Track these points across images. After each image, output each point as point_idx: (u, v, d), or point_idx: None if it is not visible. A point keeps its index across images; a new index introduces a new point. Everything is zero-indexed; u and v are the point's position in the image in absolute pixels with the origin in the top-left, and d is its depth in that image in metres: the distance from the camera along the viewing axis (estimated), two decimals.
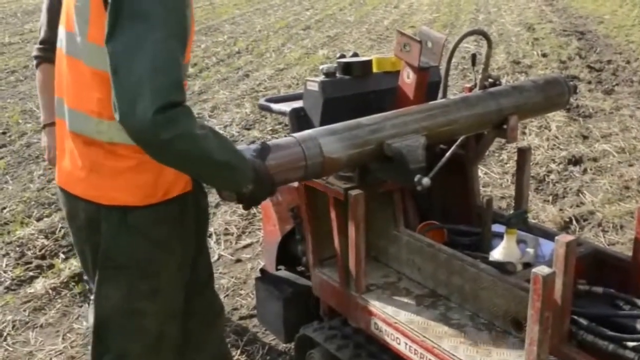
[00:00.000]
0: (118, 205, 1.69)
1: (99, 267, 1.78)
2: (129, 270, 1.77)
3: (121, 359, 1.85)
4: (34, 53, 2.74)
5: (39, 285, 3.51)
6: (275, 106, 2.47)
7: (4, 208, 4.58)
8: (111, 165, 1.66)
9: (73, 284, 3.51)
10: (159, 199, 1.72)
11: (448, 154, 2.09)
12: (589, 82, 7.42)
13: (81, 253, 1.85)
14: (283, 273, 2.59)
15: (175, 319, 1.93)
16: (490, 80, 2.18)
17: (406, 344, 1.83)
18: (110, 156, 1.65)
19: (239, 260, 3.80)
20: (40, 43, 2.71)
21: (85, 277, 3.31)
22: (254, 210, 4.41)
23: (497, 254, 1.97)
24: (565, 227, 4.00)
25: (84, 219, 1.76)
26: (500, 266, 1.86)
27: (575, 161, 5.08)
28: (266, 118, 6.43)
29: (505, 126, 2.07)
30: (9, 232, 4.17)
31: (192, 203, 1.84)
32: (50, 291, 3.45)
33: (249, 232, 4.18)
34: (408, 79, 2.17)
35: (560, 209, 4.25)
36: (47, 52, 2.67)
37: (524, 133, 5.74)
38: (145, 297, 1.80)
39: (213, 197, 4.61)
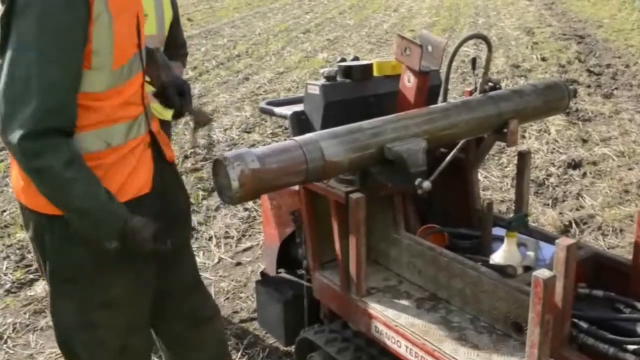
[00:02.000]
0: (59, 215, 1.62)
1: (49, 281, 1.75)
2: (78, 284, 1.72)
3: None
4: None
5: (39, 288, 3.51)
6: (276, 109, 2.48)
7: (4, 211, 4.58)
8: None
9: None
10: None
11: (448, 157, 2.09)
12: (589, 86, 7.43)
13: (38, 265, 1.83)
14: (283, 276, 2.60)
15: (139, 331, 1.87)
16: (490, 84, 2.18)
17: (407, 347, 1.83)
18: None
19: (239, 264, 3.80)
20: None
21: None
22: (254, 213, 4.41)
23: (497, 257, 1.97)
24: (565, 230, 4.01)
25: (32, 230, 1.72)
26: (500, 269, 1.86)
27: (575, 165, 5.09)
28: (266, 121, 6.43)
29: (505, 130, 2.07)
30: (9, 235, 4.17)
31: (151, 205, 1.77)
32: None
33: (249, 235, 4.18)
34: (409, 83, 2.18)
35: (560, 213, 4.26)
36: None
37: (523, 137, 5.75)
38: (99, 309, 1.75)
39: (213, 199, 4.63)
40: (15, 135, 1.44)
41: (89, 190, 1.55)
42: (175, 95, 1.98)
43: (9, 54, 1.47)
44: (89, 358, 1.82)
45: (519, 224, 2.06)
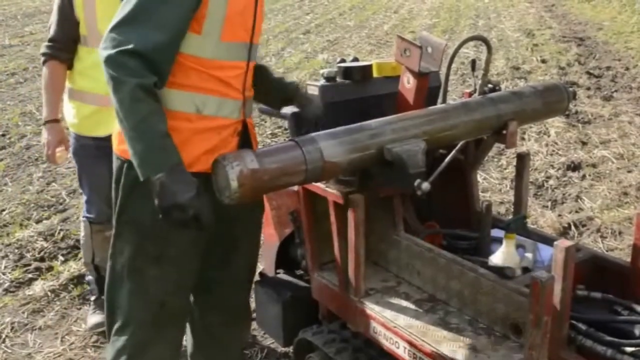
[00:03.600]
0: None
1: (115, 220, 1.88)
2: (138, 227, 1.84)
3: (125, 327, 1.91)
4: (42, 50, 2.77)
5: (38, 287, 3.51)
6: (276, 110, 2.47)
7: (3, 210, 4.58)
8: None
9: (72, 286, 3.51)
10: None
11: (448, 158, 2.10)
12: (588, 89, 7.44)
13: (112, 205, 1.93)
14: (282, 277, 2.60)
15: (180, 292, 1.96)
16: (490, 85, 2.19)
17: (405, 348, 1.83)
18: None
19: None
20: (49, 41, 2.75)
21: (85, 279, 3.32)
22: None
23: (496, 258, 1.97)
24: (564, 232, 4.01)
25: (114, 172, 1.88)
26: (499, 271, 1.86)
27: (574, 167, 5.09)
28: (266, 122, 6.43)
29: (504, 132, 2.08)
30: (8, 234, 4.17)
31: None
32: (49, 293, 3.45)
33: None
34: (408, 84, 2.18)
35: (559, 215, 4.26)
36: (56, 50, 2.74)
37: (523, 139, 5.75)
38: (150, 258, 1.86)
39: None
40: (119, 48, 1.63)
41: (151, 115, 1.65)
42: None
43: None
44: (129, 307, 1.90)
45: (518, 225, 2.06)
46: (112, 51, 1.63)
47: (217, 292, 2.11)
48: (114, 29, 1.67)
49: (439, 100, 2.24)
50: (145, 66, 1.64)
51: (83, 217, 3.05)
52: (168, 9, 1.67)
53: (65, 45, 2.73)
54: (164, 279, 1.89)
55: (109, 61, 1.64)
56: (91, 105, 2.76)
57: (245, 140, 1.95)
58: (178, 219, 1.64)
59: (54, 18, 2.74)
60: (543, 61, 8.93)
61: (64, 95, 2.87)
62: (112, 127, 1.91)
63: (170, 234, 1.81)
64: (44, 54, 2.76)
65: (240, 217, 2.01)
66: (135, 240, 1.86)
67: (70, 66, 2.79)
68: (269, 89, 2.14)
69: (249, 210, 2.03)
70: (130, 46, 1.63)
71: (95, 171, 2.79)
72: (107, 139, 2.05)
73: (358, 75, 2.33)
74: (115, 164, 1.89)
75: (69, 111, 2.86)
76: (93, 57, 2.56)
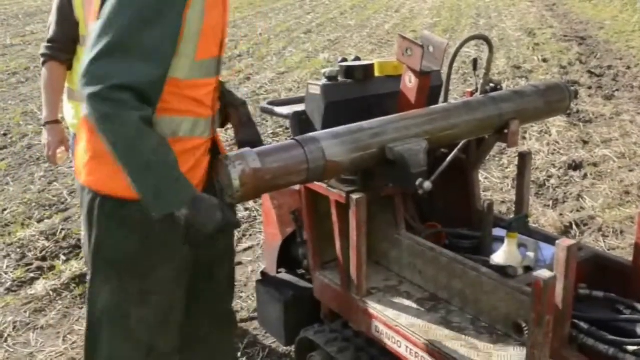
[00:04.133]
0: (113, 196, 1.67)
1: (91, 260, 1.76)
2: (118, 267, 1.72)
3: None
4: (42, 51, 2.76)
5: (40, 286, 3.51)
6: (277, 109, 2.48)
7: (5, 210, 4.58)
8: None
9: (74, 285, 3.52)
10: None
11: (449, 158, 2.10)
12: (590, 88, 7.43)
13: (84, 244, 1.84)
14: (284, 276, 2.60)
15: (169, 330, 1.84)
16: (491, 85, 2.19)
17: (407, 347, 1.83)
18: None
19: (239, 263, 3.80)
20: (49, 41, 2.74)
21: (87, 279, 3.32)
22: (254, 213, 4.41)
23: (498, 257, 1.97)
24: (565, 232, 4.01)
25: (85, 207, 1.74)
26: (501, 270, 1.86)
27: (576, 166, 5.09)
28: (267, 121, 6.43)
29: (506, 131, 2.08)
30: (9, 234, 4.17)
31: None
32: (50, 292, 3.45)
33: (250, 235, 4.18)
34: (410, 83, 2.18)
35: (561, 214, 4.26)
36: (55, 50, 2.72)
37: (524, 138, 5.75)
38: (134, 298, 1.74)
39: None
40: (106, 83, 1.48)
41: (161, 147, 1.54)
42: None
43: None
44: (112, 354, 1.78)
45: (520, 225, 2.06)
46: (98, 87, 1.48)
47: (204, 301, 2.01)
48: (94, 61, 1.51)
49: (441, 99, 2.24)
50: (139, 98, 1.52)
51: None
52: (153, 35, 1.53)
53: (64, 46, 2.72)
54: (150, 319, 1.75)
55: (97, 98, 1.49)
56: None
57: (215, 157, 1.82)
58: (216, 231, 1.59)
59: (53, 18, 2.73)
60: (544, 60, 8.93)
61: (63, 96, 2.86)
62: None
63: (154, 268, 1.72)
64: (43, 55, 2.76)
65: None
66: (115, 279, 1.72)
67: (69, 67, 2.78)
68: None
69: None
70: (118, 81, 1.49)
71: None
72: None
73: (360, 74, 2.33)
74: (84, 197, 1.74)
75: (69, 111, 2.85)
76: None
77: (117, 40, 1.51)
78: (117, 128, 1.50)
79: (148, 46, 1.53)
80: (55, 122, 2.84)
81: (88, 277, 1.81)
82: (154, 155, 1.52)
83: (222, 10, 1.72)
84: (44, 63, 2.77)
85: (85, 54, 1.53)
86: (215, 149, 1.86)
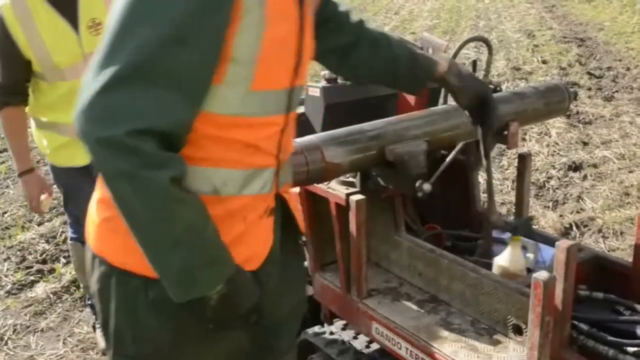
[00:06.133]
0: (134, 272, 1.24)
1: (111, 351, 1.36)
2: None
3: None
4: None
5: (40, 289, 3.52)
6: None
7: (5, 212, 4.59)
8: None
9: (74, 288, 3.52)
10: None
11: (448, 159, 2.10)
12: (589, 89, 7.44)
13: (101, 325, 1.39)
14: None
15: None
16: (491, 86, 2.19)
17: (407, 348, 1.83)
18: None
19: None
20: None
21: (87, 302, 3.30)
22: None
23: (502, 261, 1.96)
24: (565, 233, 4.01)
25: (96, 281, 1.32)
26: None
27: (576, 167, 5.10)
28: None
29: (505, 132, 2.07)
30: (10, 237, 4.18)
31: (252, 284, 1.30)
32: (51, 295, 3.45)
33: None
34: None
35: (561, 215, 4.26)
36: (7, 96, 2.54)
37: (524, 139, 5.75)
38: None
39: None
40: (123, 126, 1.05)
41: (198, 219, 1.14)
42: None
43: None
44: None
45: (524, 228, 2.02)
46: (111, 131, 1.03)
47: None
48: (104, 91, 1.05)
49: (440, 100, 2.24)
50: (162, 146, 1.08)
51: (71, 240, 2.95)
52: (187, 56, 1.09)
53: (15, 89, 2.54)
54: None
55: (109, 147, 1.04)
56: (66, 137, 2.56)
57: (286, 217, 1.44)
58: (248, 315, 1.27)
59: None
60: (544, 62, 8.93)
61: (30, 125, 2.70)
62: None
63: (196, 349, 1.32)
64: None
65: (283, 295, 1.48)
66: None
67: (25, 102, 2.60)
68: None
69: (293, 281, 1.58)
70: (141, 124, 1.05)
71: (82, 187, 2.32)
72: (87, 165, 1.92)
73: None
74: (95, 267, 1.32)
75: (41, 140, 2.69)
76: (58, 90, 2.48)
77: (136, 63, 1.06)
78: (137, 195, 1.08)
79: (178, 73, 1.09)
80: (29, 172, 2.68)
81: None
82: (186, 234, 1.12)
83: (294, 26, 1.26)
84: None
85: (88, 79, 1.08)
86: (283, 208, 1.43)
